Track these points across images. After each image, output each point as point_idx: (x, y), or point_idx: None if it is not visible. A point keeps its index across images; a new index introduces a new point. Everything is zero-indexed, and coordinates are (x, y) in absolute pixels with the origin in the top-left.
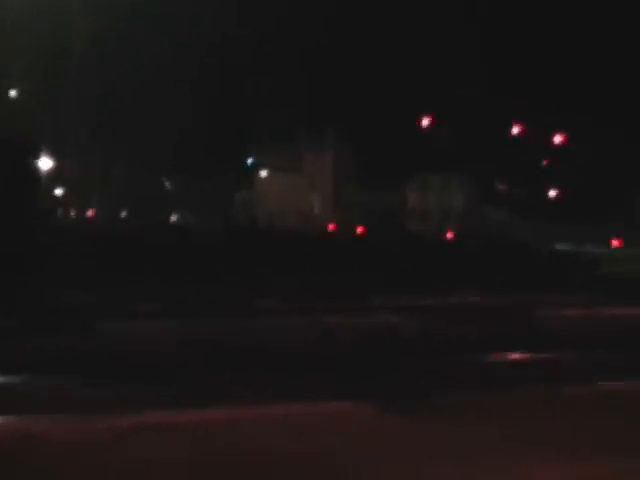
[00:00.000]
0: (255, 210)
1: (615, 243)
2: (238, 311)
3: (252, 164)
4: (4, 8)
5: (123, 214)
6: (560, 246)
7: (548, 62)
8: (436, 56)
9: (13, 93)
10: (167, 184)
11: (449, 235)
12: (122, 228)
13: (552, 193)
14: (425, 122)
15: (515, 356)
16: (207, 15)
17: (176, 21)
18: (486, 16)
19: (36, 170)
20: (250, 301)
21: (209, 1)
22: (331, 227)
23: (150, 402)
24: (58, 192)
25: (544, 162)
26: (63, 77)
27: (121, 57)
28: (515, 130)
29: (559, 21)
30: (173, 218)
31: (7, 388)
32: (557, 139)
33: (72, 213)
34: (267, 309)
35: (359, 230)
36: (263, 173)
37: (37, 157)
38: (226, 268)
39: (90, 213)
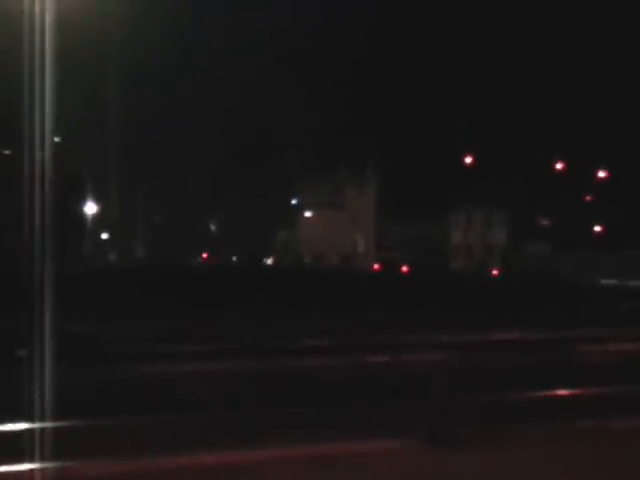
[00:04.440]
0: (298, 249)
1: None
2: (283, 350)
3: (296, 204)
4: (46, 54)
5: (234, 258)
6: (604, 280)
7: (591, 99)
8: (480, 93)
9: (57, 139)
10: (212, 226)
11: (494, 272)
12: None
13: (597, 228)
14: (469, 159)
15: (559, 390)
16: (244, 56)
17: (213, 65)
18: (531, 55)
19: (82, 214)
20: (297, 340)
21: (248, 39)
22: (376, 267)
23: (187, 441)
24: (104, 236)
25: (588, 197)
26: (104, 124)
27: (161, 99)
28: (559, 166)
29: (601, 59)
30: (269, 261)
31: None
32: (601, 174)
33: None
34: (313, 347)
35: (404, 269)
36: (307, 213)
37: (83, 202)
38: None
39: (205, 256)
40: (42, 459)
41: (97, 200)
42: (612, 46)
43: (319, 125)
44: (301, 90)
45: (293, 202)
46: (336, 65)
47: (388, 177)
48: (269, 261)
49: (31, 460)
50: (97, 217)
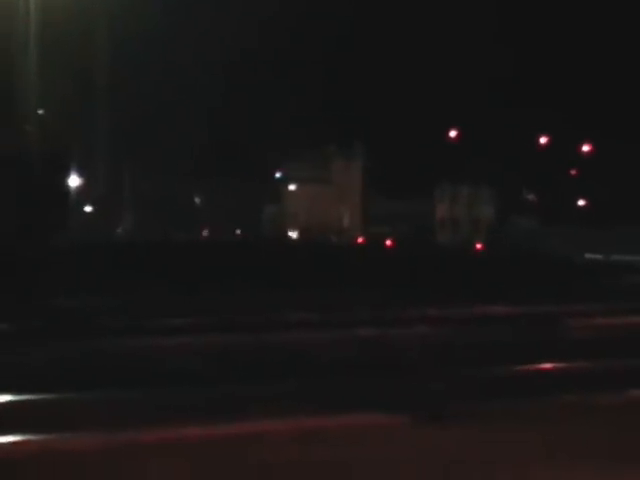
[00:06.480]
0: (284, 223)
1: None
2: (268, 324)
3: (281, 178)
4: (30, 29)
5: (238, 232)
6: (589, 255)
7: (575, 73)
8: (464, 69)
9: (41, 112)
10: (197, 199)
11: (478, 246)
12: None
13: (581, 202)
14: (453, 134)
15: (546, 365)
16: (231, 32)
17: (200, 39)
18: (515, 30)
19: (65, 188)
20: (283, 314)
21: (233, 18)
22: (361, 240)
23: (174, 415)
24: (87, 209)
25: (572, 172)
26: (90, 97)
27: (148, 74)
28: (543, 140)
29: (586, 34)
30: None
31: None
32: (585, 148)
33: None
34: (300, 322)
35: (388, 242)
36: (292, 186)
37: (66, 175)
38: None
39: (205, 233)
40: (25, 432)
41: (82, 174)
42: (595, 21)
43: (305, 101)
44: (286, 67)
45: (277, 175)
46: (321, 41)
47: (374, 152)
48: (294, 235)
49: (14, 432)
50: (82, 191)
